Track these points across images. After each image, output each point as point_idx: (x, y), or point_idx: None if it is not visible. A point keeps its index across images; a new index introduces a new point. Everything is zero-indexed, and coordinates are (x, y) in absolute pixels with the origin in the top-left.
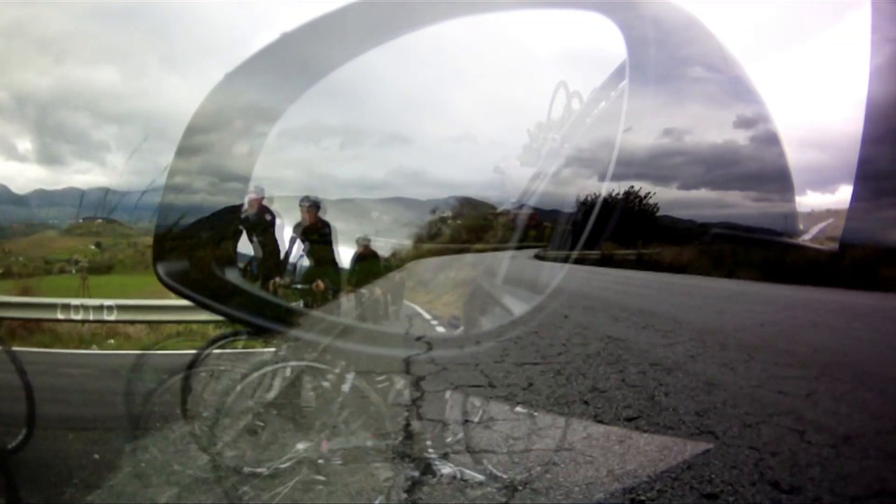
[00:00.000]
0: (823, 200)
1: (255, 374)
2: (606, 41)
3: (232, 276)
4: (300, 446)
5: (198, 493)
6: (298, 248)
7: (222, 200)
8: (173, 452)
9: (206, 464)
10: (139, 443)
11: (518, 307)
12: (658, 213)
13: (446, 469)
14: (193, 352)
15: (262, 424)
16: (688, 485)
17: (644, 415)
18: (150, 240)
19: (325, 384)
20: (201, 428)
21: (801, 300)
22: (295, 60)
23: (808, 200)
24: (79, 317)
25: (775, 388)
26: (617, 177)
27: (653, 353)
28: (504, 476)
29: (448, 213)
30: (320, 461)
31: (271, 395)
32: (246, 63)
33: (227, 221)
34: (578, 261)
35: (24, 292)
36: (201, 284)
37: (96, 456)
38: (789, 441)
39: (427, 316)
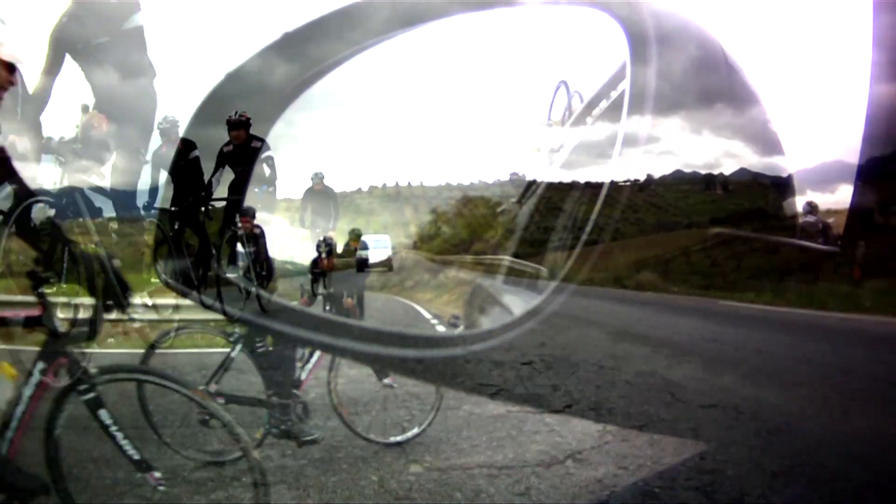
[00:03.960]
0: (823, 200)
1: None
2: (608, 40)
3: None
4: None
5: (197, 493)
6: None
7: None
8: (171, 453)
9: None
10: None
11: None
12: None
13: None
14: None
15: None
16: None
17: None
18: (149, 239)
19: None
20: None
21: None
22: (296, 60)
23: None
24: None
25: None
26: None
27: None
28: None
29: (448, 212)
30: None
31: None
32: (247, 63)
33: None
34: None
35: (25, 292)
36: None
37: (96, 455)
38: None
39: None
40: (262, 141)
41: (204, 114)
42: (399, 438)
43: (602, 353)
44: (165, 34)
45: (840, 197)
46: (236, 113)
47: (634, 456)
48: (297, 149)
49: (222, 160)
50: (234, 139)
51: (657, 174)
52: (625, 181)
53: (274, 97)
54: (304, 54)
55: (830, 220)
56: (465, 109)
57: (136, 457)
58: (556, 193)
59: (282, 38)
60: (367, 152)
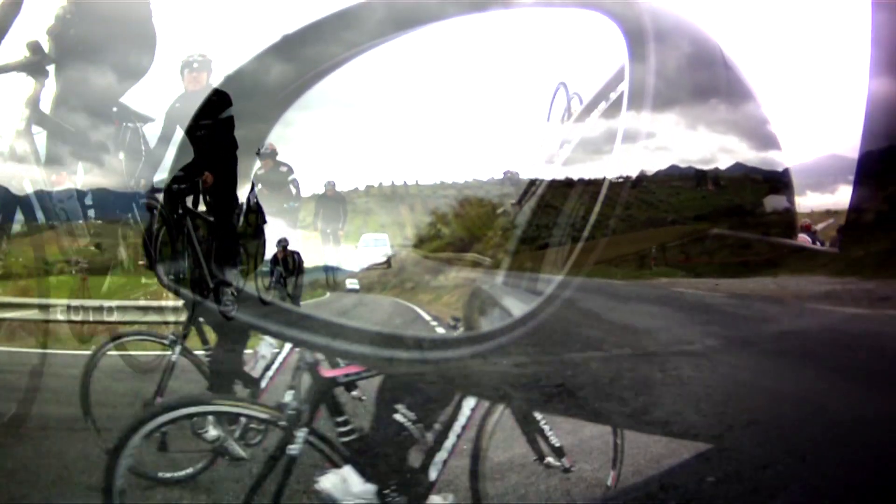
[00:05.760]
0: (823, 200)
1: None
2: (606, 41)
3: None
4: None
5: (196, 492)
6: None
7: None
8: (171, 453)
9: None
10: (137, 443)
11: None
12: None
13: None
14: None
15: None
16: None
17: None
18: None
19: None
20: None
21: None
22: (294, 62)
23: (808, 201)
24: (79, 317)
25: None
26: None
27: None
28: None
29: (445, 211)
30: None
31: None
32: (246, 65)
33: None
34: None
35: (24, 292)
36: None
37: (95, 456)
38: None
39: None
40: (289, 166)
41: (204, 116)
42: None
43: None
44: (165, 36)
45: (839, 196)
46: (265, 147)
47: (635, 456)
48: (295, 150)
49: (255, 181)
50: (264, 166)
51: (652, 170)
52: (617, 178)
53: (273, 99)
54: (303, 56)
55: (830, 221)
56: (462, 110)
57: None
58: (552, 192)
59: (281, 39)
60: (365, 153)
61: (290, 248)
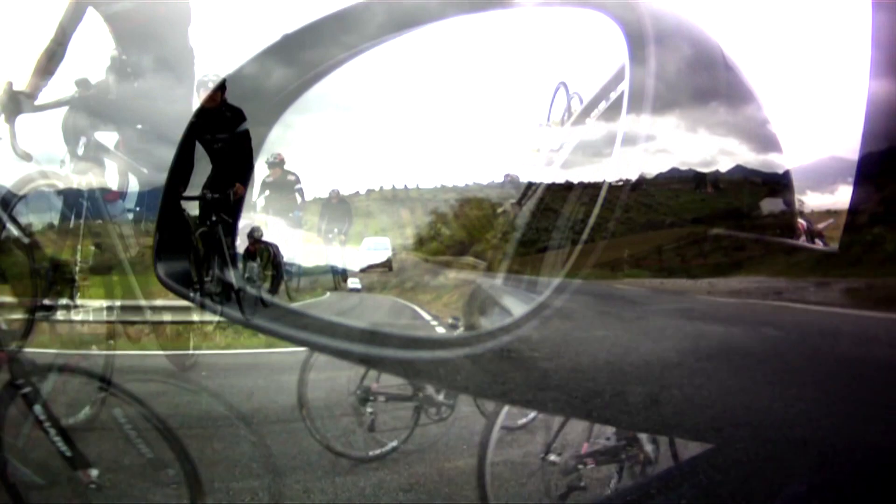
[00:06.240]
0: (823, 200)
1: None
2: (607, 40)
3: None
4: None
5: (200, 493)
6: None
7: None
8: (174, 452)
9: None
10: (139, 443)
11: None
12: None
13: None
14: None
15: None
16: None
17: None
18: (150, 240)
19: None
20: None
21: None
22: (293, 63)
23: (808, 200)
24: (79, 317)
25: None
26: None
27: None
28: None
29: (446, 214)
30: None
31: None
32: (245, 65)
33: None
34: None
35: (21, 293)
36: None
37: (95, 457)
38: None
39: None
40: (296, 175)
41: (203, 116)
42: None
43: None
44: (164, 36)
45: (840, 197)
46: (273, 156)
47: (634, 456)
48: (294, 153)
49: (264, 188)
50: (272, 174)
51: (653, 173)
52: (617, 181)
53: (272, 100)
54: (302, 57)
55: (830, 221)
56: (462, 112)
57: (69, 453)
58: (552, 195)
59: (281, 39)
60: (365, 155)
61: (265, 240)
